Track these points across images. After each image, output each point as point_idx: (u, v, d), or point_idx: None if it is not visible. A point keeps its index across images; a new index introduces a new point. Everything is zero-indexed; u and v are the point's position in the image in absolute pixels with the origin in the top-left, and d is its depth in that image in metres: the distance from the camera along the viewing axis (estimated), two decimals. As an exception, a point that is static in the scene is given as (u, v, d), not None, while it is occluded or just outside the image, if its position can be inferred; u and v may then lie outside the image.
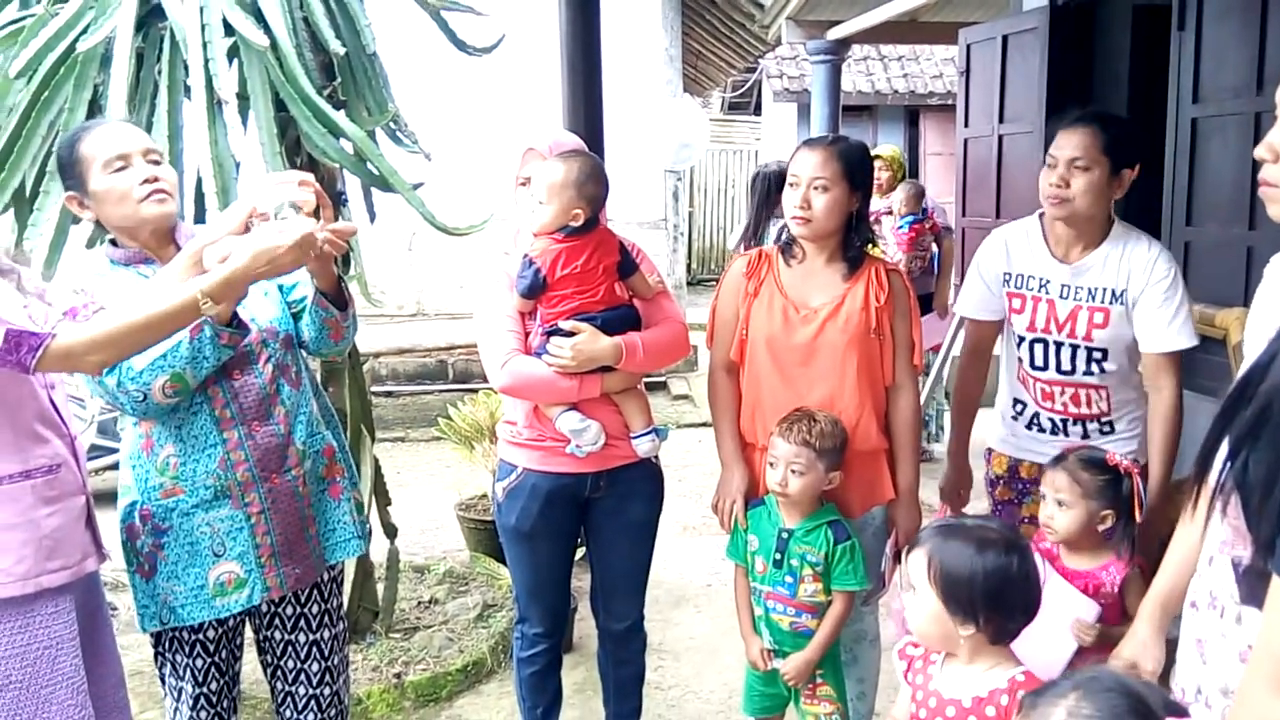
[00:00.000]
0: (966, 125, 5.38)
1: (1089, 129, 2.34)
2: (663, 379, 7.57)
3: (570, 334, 2.24)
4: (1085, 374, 2.42)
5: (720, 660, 3.27)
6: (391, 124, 3.03)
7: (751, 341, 2.40)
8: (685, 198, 12.03)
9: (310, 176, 1.89)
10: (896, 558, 2.43)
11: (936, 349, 5.26)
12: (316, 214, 1.86)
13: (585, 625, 3.01)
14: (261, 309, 2.01)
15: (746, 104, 15.90)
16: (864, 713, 2.53)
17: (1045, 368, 2.47)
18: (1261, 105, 3.37)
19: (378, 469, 3.30)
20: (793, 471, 2.22)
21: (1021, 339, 2.51)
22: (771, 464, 2.27)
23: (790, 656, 2.33)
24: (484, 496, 4.11)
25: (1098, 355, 2.40)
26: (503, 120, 6.81)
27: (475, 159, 6.55)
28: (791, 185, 2.33)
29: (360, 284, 3.15)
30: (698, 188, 13.68)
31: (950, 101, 11.36)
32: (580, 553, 2.60)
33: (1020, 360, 2.52)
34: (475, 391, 4.63)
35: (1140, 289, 2.34)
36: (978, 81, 5.24)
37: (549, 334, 2.27)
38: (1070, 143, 2.35)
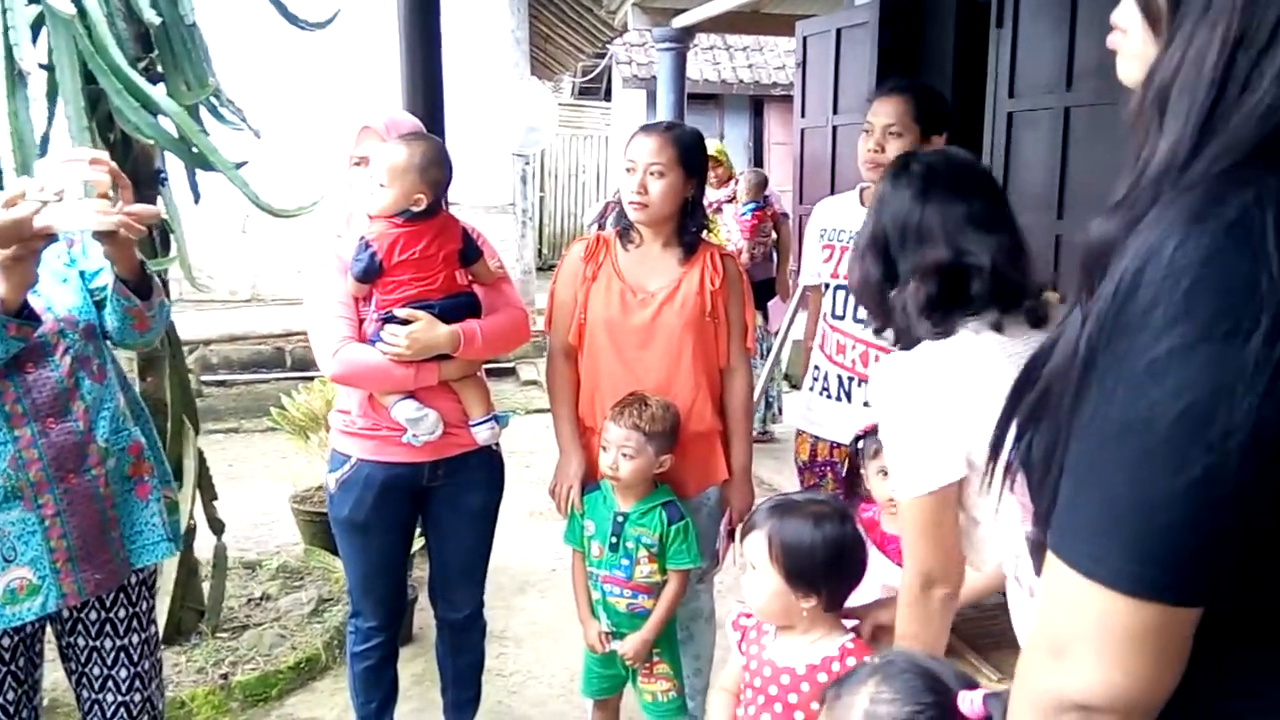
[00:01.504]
0: (803, 116, 5.53)
1: (902, 97, 2.52)
2: (511, 364, 7.51)
3: (406, 322, 2.19)
4: None
5: (563, 644, 3.27)
6: (213, 99, 2.88)
7: (590, 325, 2.40)
8: (535, 182, 11.96)
9: (104, 154, 1.76)
10: (731, 535, 2.49)
11: (781, 331, 5.42)
12: (117, 195, 1.74)
13: (425, 615, 2.95)
14: (59, 297, 1.86)
15: (597, 90, 15.89)
16: (700, 688, 2.59)
17: (844, 316, 2.62)
18: (1071, 100, 3.59)
19: (202, 462, 3.15)
20: (623, 455, 2.24)
21: (827, 285, 2.67)
22: (604, 448, 2.28)
23: (628, 637, 2.35)
24: (320, 488, 3.97)
25: None
26: (338, 98, 6.58)
27: (308, 137, 6.32)
28: (628, 170, 2.35)
29: (184, 268, 2.99)
30: (548, 172, 13.60)
31: (792, 92, 11.65)
32: (419, 543, 2.55)
33: (825, 315, 2.66)
34: (313, 379, 4.48)
35: None
36: (814, 73, 5.39)
37: (384, 320, 2.21)
38: (885, 110, 2.52)
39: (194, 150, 2.72)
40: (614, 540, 2.33)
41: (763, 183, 5.81)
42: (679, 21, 7.39)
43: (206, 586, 3.26)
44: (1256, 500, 0.67)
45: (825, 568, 1.65)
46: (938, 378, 1.45)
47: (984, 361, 1.42)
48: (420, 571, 3.31)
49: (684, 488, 2.39)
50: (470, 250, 2.30)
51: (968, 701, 1.00)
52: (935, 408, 1.44)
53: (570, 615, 2.56)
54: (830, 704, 1.17)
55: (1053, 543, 0.76)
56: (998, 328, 1.46)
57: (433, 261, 2.22)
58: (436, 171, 2.19)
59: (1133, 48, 0.82)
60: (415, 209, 2.18)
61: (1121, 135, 0.83)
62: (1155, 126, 0.75)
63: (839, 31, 5.07)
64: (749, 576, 1.72)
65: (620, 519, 2.32)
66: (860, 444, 2.31)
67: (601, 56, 13.80)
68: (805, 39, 5.44)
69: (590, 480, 2.42)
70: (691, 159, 2.37)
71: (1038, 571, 0.79)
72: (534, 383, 7.03)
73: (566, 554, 2.51)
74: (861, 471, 2.27)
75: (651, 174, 2.31)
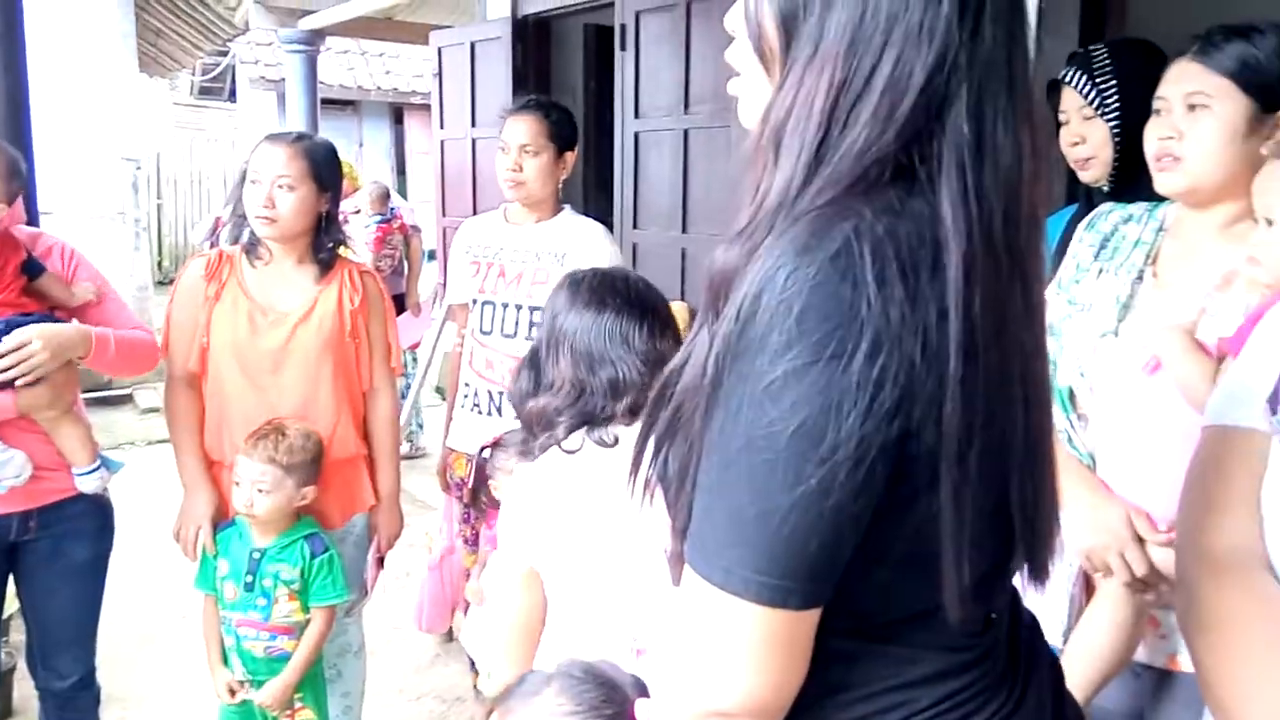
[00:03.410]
0: (443, 127, 5.48)
1: (534, 116, 2.59)
2: (128, 390, 6.80)
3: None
4: (527, 339, 2.58)
5: (194, 699, 2.99)
6: None
7: (214, 349, 2.21)
8: (151, 189, 10.91)
9: None
10: (380, 563, 2.40)
11: (414, 348, 5.33)
12: None
13: (27, 684, 2.57)
14: None
15: (220, 89, 14.83)
16: (352, 727, 2.47)
17: (491, 332, 2.63)
18: (689, 123, 3.84)
19: None
20: (259, 491, 2.08)
21: (474, 301, 2.67)
22: (237, 483, 2.11)
23: (267, 684, 2.18)
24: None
25: (538, 319, 2.55)
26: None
27: None
28: (254, 183, 2.19)
29: None
30: (166, 179, 12.40)
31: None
32: (15, 604, 2.22)
33: (473, 331, 2.67)
34: None
35: (584, 258, 2.54)
36: (451, 84, 5.36)
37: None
38: (519, 129, 2.57)
39: None
40: (249, 579, 2.16)
41: (385, 194, 5.67)
42: (306, 23, 7.08)
43: None
44: (863, 510, 0.73)
45: None
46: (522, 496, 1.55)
47: (556, 484, 1.50)
48: (20, 635, 2.88)
49: (328, 518, 2.27)
50: (32, 264, 2.05)
51: (644, 710, 1.01)
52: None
53: (202, 667, 2.34)
54: (501, 715, 1.13)
55: (688, 557, 0.78)
56: (601, 443, 1.51)
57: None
58: (3, 184, 1.95)
59: (749, 88, 0.86)
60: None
61: (733, 157, 0.88)
62: (771, 162, 0.80)
63: (473, 45, 5.08)
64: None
65: (257, 556, 2.16)
66: (486, 454, 2.32)
67: (224, 54, 12.89)
68: (440, 50, 5.40)
69: (222, 518, 2.22)
70: (324, 172, 2.25)
71: (676, 583, 0.82)
72: (155, 410, 6.39)
73: (198, 600, 2.30)
74: (490, 481, 2.28)
75: (280, 187, 2.17)
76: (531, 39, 4.79)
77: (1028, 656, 0.90)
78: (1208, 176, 1.42)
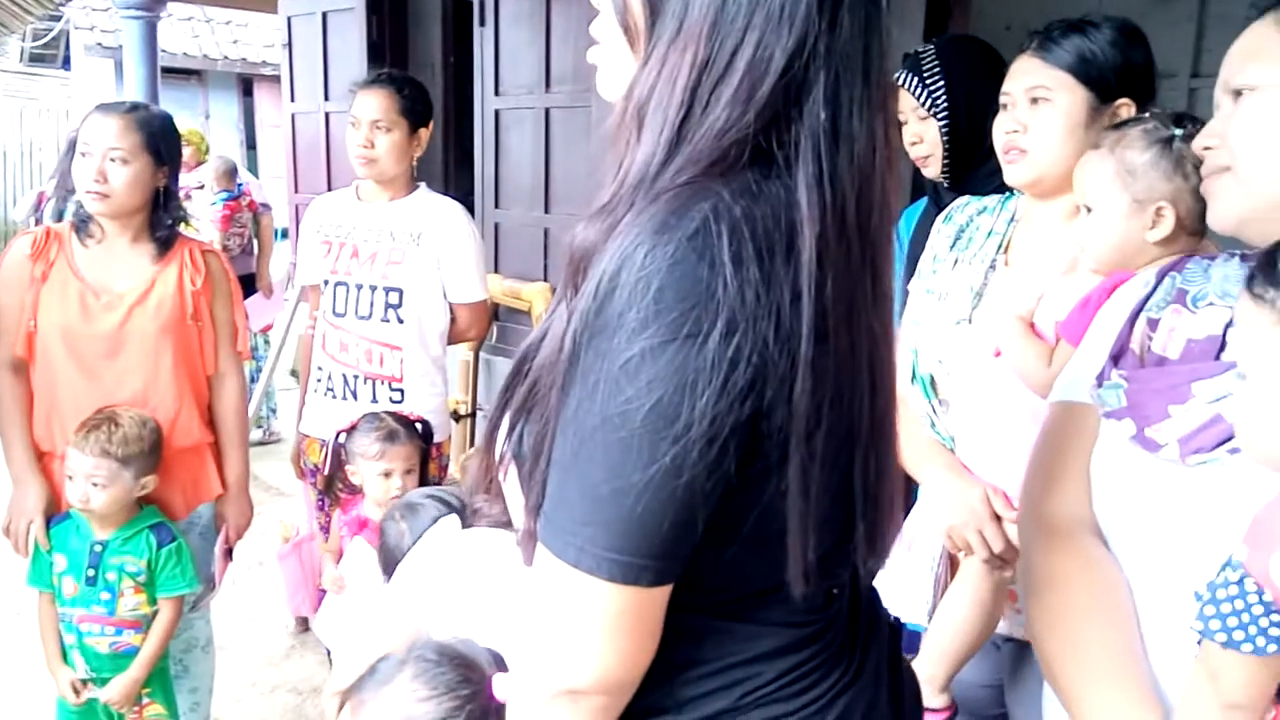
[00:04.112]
0: (293, 100, 5.28)
1: (386, 91, 2.51)
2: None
3: None
4: (383, 320, 2.52)
5: (31, 700, 2.82)
6: None
7: (42, 334, 2.08)
8: (-28, 161, 10.14)
9: None
10: (228, 555, 2.31)
11: (266, 330, 5.14)
12: None
13: None
14: None
15: (54, 56, 13.88)
16: (201, 724, 2.37)
17: (345, 314, 2.55)
18: (550, 101, 3.80)
19: None
20: (94, 485, 1.97)
21: (326, 282, 2.58)
22: (70, 477, 1.99)
23: (112, 681, 2.08)
24: None
25: (394, 301, 2.51)
26: None
27: None
28: (84, 155, 2.06)
29: None
30: (-10, 150, 11.58)
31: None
32: None
33: (325, 313, 2.59)
34: None
35: (441, 238, 2.52)
36: (302, 56, 5.16)
37: None
38: (370, 105, 2.49)
39: None
40: (91, 573, 2.05)
41: (232, 171, 5.44)
42: (145, -13, 6.67)
43: None
44: (715, 487, 0.74)
45: None
46: None
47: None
48: None
49: (171, 508, 2.17)
50: None
51: (502, 685, 0.99)
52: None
53: (36, 669, 2.21)
54: (355, 708, 1.07)
55: (541, 534, 0.78)
56: None
57: None
58: None
59: (612, 62, 0.86)
60: None
61: (595, 137, 0.87)
62: (634, 139, 0.80)
63: (325, 15, 4.90)
64: None
65: (98, 548, 2.05)
66: (343, 439, 2.26)
67: (57, 19, 12.06)
68: (290, 19, 5.18)
69: (55, 511, 2.10)
70: (162, 144, 2.14)
71: (529, 562, 0.81)
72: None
73: (31, 598, 2.16)
74: (346, 467, 2.23)
75: (113, 160, 2.05)
76: (387, 11, 4.65)
77: (866, 627, 0.93)
78: (1052, 167, 1.48)
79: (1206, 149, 1.01)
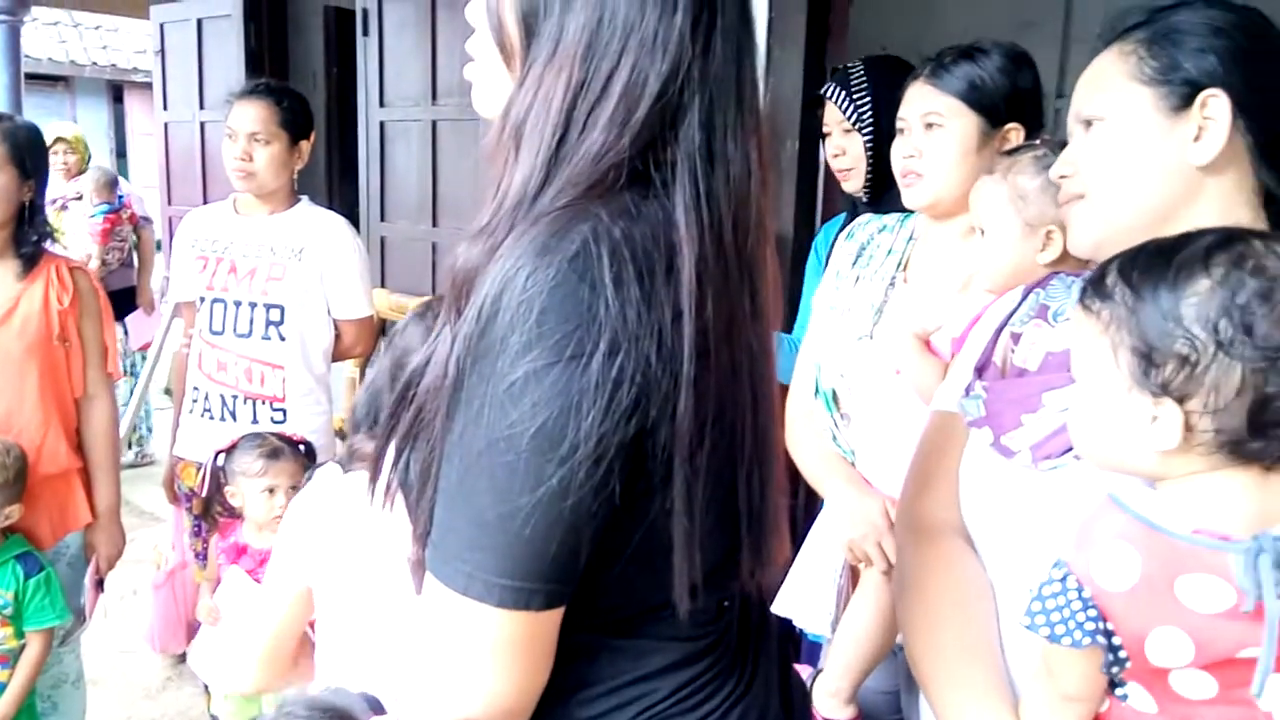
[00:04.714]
0: (166, 108, 5.09)
1: (264, 101, 2.43)
2: None
3: None
4: (264, 338, 2.45)
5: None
6: None
7: (-107, 355, 1.96)
8: None
9: None
10: (99, 586, 2.21)
11: (146, 348, 4.95)
12: None
13: None
14: None
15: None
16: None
17: (223, 331, 2.47)
18: (437, 114, 3.76)
19: None
20: (-49, 514, 1.87)
21: (202, 299, 2.49)
22: (-75, 507, 1.88)
23: (-26, 722, 1.97)
24: None
25: (274, 318, 2.45)
26: None
27: None
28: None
29: None
30: None
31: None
32: None
33: (201, 332, 2.50)
34: None
35: (324, 253, 2.47)
36: (175, 63, 4.98)
37: None
38: (247, 116, 2.41)
39: None
40: (-49, 609, 1.94)
41: (113, 182, 5.21)
42: (5, -11, 6.36)
43: None
44: (602, 508, 0.74)
45: None
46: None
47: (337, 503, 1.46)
48: None
49: (38, 538, 2.08)
50: None
51: None
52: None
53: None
54: None
55: (430, 563, 0.77)
56: None
57: None
58: None
59: (488, 80, 0.86)
60: None
61: (482, 151, 0.87)
62: (512, 158, 0.80)
63: (200, 21, 4.74)
64: None
65: (-43, 584, 1.94)
66: (221, 459, 2.20)
67: (-98, 19, 11.38)
68: (163, 25, 5.00)
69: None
70: (26, 157, 2.07)
71: (419, 590, 0.80)
72: None
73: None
74: (225, 489, 2.17)
75: (-28, 174, 1.95)
76: (266, 17, 4.52)
77: (758, 636, 0.95)
78: (947, 190, 1.54)
79: (1063, 177, 1.07)
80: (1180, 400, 0.80)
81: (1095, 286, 0.86)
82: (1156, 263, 0.82)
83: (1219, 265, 0.80)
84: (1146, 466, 0.85)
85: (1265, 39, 0.99)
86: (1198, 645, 0.80)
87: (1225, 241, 0.81)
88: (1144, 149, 0.99)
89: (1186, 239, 0.83)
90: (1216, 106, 0.96)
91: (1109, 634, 0.83)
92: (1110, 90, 1.01)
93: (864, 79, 1.98)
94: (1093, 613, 0.83)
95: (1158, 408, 0.81)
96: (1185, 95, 0.97)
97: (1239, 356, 0.78)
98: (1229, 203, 0.98)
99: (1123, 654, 0.84)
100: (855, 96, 1.97)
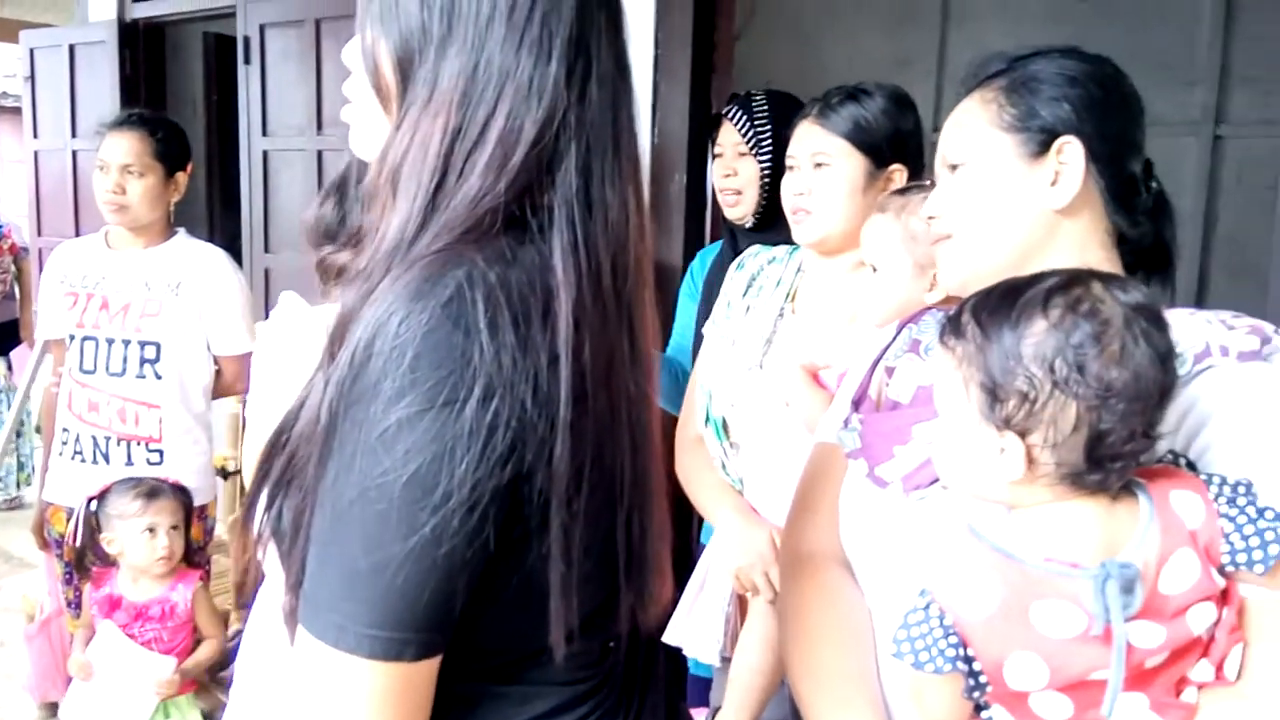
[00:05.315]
0: (36, 136, 4.88)
1: (138, 132, 2.37)
2: None
3: None
4: (138, 377, 2.36)
5: None
6: None
7: None
8: None
9: None
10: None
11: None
12: None
13: None
14: None
15: None
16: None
17: (94, 370, 2.38)
18: (322, 144, 3.69)
19: None
20: None
21: (73, 337, 2.39)
22: None
23: None
24: None
25: (150, 355, 2.36)
26: None
27: None
28: None
29: None
30: None
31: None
32: None
33: (71, 371, 2.40)
34: None
35: (202, 287, 2.40)
36: (46, 90, 4.78)
37: None
38: (120, 148, 2.34)
39: None
40: None
41: None
42: None
43: None
44: (477, 555, 0.73)
45: None
46: None
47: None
48: None
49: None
50: None
51: None
52: None
53: None
54: None
55: (301, 615, 0.75)
56: None
57: None
58: None
59: (365, 123, 0.85)
60: None
61: (362, 193, 0.86)
62: (390, 202, 0.79)
63: (73, 48, 4.57)
64: None
65: None
66: (94, 505, 2.11)
67: None
68: (33, 51, 4.80)
69: None
70: None
71: (293, 642, 0.78)
72: None
73: None
74: (100, 536, 2.08)
75: None
76: (142, 44, 4.38)
77: (644, 678, 0.95)
78: (835, 227, 1.58)
79: (931, 218, 1.11)
80: (1022, 434, 0.84)
81: (952, 324, 0.90)
82: (1004, 303, 0.86)
83: (1056, 307, 0.83)
84: (1000, 495, 0.88)
85: (1117, 89, 1.05)
86: (1052, 669, 0.84)
87: (1066, 284, 0.85)
88: (1005, 192, 1.03)
89: (1034, 280, 0.87)
90: (1071, 152, 1.01)
91: (969, 660, 0.86)
92: (972, 136, 1.06)
93: (766, 106, 2.02)
94: (954, 639, 0.85)
95: (1003, 440, 0.85)
96: (1042, 142, 1.02)
97: (1073, 394, 0.81)
98: (1084, 243, 1.03)
99: (983, 679, 0.86)
100: (757, 122, 2.01)
